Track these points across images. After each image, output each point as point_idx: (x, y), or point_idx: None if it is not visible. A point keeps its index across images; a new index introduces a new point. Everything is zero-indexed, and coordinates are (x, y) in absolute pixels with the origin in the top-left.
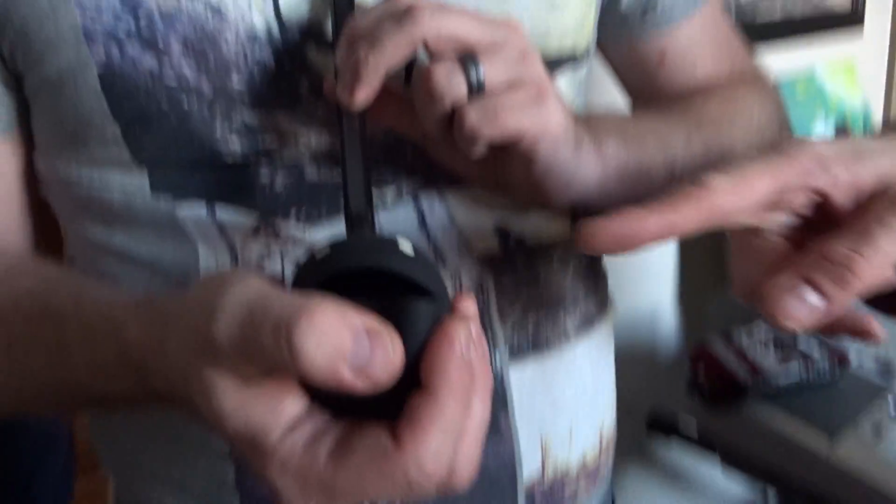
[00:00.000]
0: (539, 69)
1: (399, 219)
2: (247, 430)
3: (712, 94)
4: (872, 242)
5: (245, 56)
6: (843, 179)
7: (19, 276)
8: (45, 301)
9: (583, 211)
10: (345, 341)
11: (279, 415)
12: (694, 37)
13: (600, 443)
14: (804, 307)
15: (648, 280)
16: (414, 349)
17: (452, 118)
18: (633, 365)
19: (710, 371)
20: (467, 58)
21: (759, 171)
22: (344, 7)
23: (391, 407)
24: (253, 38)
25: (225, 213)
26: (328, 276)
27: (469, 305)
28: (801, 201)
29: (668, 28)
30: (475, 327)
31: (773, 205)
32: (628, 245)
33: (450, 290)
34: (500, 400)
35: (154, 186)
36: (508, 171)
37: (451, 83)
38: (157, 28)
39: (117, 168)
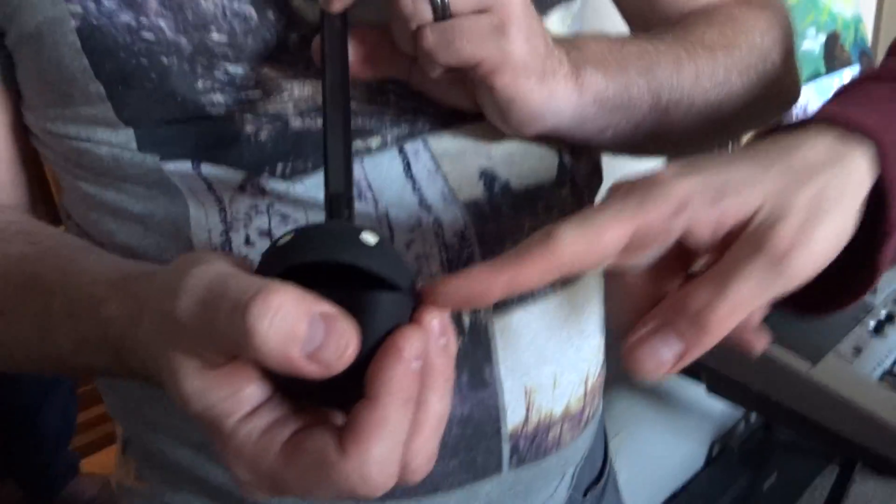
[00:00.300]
0: None
1: (384, 165)
2: (207, 412)
3: (713, 19)
4: (728, 292)
5: (224, 9)
6: (703, 220)
7: (12, 237)
8: (35, 271)
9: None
10: (299, 324)
11: (239, 400)
12: None
13: (585, 391)
14: (659, 359)
15: None
16: (373, 341)
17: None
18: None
19: None
20: None
21: (611, 220)
22: None
23: (355, 397)
24: None
25: (211, 170)
26: (288, 266)
27: (428, 317)
28: (664, 241)
29: None
30: (439, 323)
31: (634, 247)
32: (476, 303)
33: (433, 242)
34: (484, 351)
35: (140, 144)
36: (480, 94)
37: (416, 5)
38: None
39: (103, 126)
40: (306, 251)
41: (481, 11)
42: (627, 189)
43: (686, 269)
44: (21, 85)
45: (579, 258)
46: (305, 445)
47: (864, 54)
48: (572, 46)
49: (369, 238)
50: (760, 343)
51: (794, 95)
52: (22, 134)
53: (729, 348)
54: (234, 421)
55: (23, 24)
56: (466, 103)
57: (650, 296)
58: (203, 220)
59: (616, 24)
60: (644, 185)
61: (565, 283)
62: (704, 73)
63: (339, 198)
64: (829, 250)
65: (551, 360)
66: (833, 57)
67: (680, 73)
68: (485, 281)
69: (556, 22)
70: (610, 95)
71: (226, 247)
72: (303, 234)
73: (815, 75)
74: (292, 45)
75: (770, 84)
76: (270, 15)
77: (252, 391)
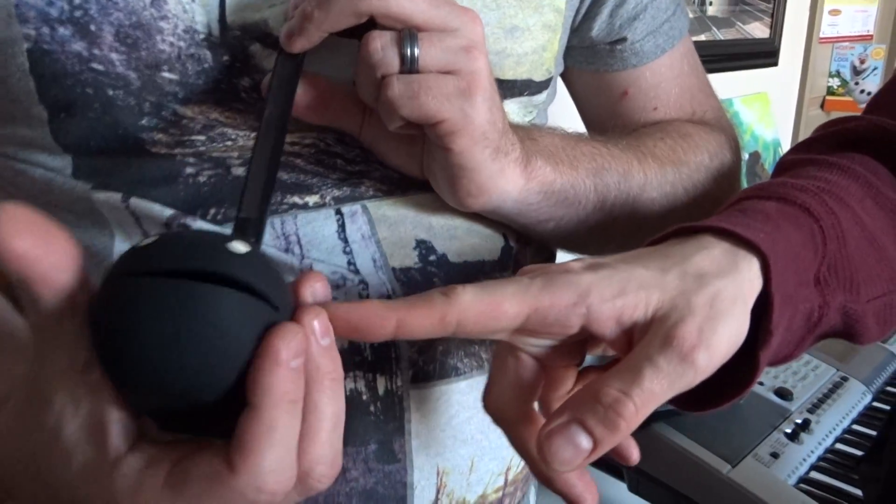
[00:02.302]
0: (480, 65)
1: (318, 223)
2: (81, 463)
3: (667, 133)
4: (641, 384)
5: (180, 50)
6: (605, 314)
7: None
8: None
9: (514, 232)
10: None
11: (106, 448)
12: (660, 76)
13: (505, 482)
14: (575, 452)
15: None
16: (235, 354)
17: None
18: None
19: None
20: (407, 34)
21: (511, 296)
22: None
23: (227, 422)
24: (192, 32)
25: (140, 204)
26: (137, 272)
27: (309, 316)
28: (561, 330)
29: (635, 64)
30: (320, 323)
31: (530, 329)
32: (362, 334)
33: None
34: (397, 422)
35: (76, 171)
36: (430, 160)
37: (384, 55)
38: (91, 12)
39: (41, 149)
40: (164, 255)
41: (449, 72)
42: (535, 272)
43: (577, 362)
44: None
45: (473, 320)
46: (191, 472)
47: None
48: (527, 136)
49: (239, 247)
50: (635, 453)
51: None
52: None
53: (650, 442)
54: (108, 462)
55: None
56: (413, 168)
57: (536, 385)
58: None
59: (578, 123)
60: (551, 272)
61: None
62: (652, 184)
63: (248, 222)
64: (730, 347)
65: (470, 442)
66: (754, 174)
67: (629, 180)
68: (375, 313)
69: (517, 110)
70: (556, 189)
71: None
72: (163, 239)
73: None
74: (243, 92)
75: (715, 202)
76: (225, 59)
77: (116, 435)
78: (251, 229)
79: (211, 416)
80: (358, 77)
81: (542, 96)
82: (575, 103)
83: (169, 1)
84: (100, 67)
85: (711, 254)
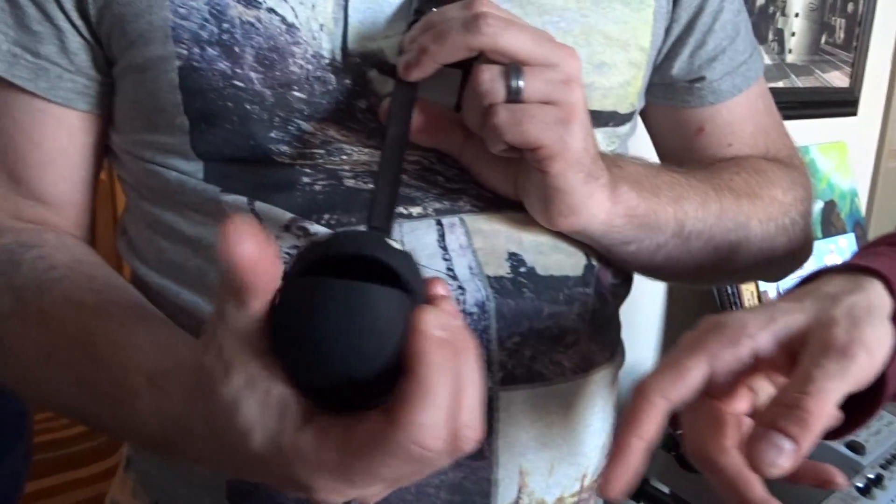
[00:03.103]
0: (577, 96)
1: (420, 231)
2: (264, 437)
3: (742, 167)
4: (815, 382)
5: (308, 72)
6: (763, 340)
7: (78, 278)
8: (89, 331)
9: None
10: None
11: (289, 418)
12: (736, 114)
13: (581, 488)
14: (779, 452)
15: (634, 337)
16: (391, 338)
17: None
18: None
19: None
20: (512, 67)
21: (688, 351)
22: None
23: (383, 396)
24: (319, 57)
25: (263, 207)
26: (320, 257)
27: (439, 289)
28: (734, 366)
29: (712, 102)
30: (448, 308)
31: (715, 374)
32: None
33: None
34: (486, 421)
35: (207, 175)
36: (526, 181)
37: (492, 86)
38: (236, 36)
39: (178, 155)
40: (339, 245)
41: (550, 102)
42: (706, 326)
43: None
44: (115, 109)
45: (677, 394)
46: (358, 428)
47: (857, 224)
48: (613, 163)
49: (395, 244)
50: (837, 476)
51: (806, 252)
52: (98, 158)
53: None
54: (290, 435)
55: (134, 57)
56: (507, 188)
57: (724, 417)
58: None
59: (654, 154)
60: (712, 323)
61: (578, 371)
62: (727, 214)
63: (378, 231)
64: (881, 347)
65: (551, 445)
66: (829, 223)
67: (705, 209)
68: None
69: (602, 140)
70: (639, 213)
71: None
72: (337, 235)
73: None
74: (359, 112)
75: (786, 237)
76: (347, 82)
77: (293, 412)
78: (383, 234)
79: (367, 394)
80: (466, 104)
81: (626, 128)
82: (651, 138)
83: (301, 29)
84: (240, 84)
85: (835, 281)
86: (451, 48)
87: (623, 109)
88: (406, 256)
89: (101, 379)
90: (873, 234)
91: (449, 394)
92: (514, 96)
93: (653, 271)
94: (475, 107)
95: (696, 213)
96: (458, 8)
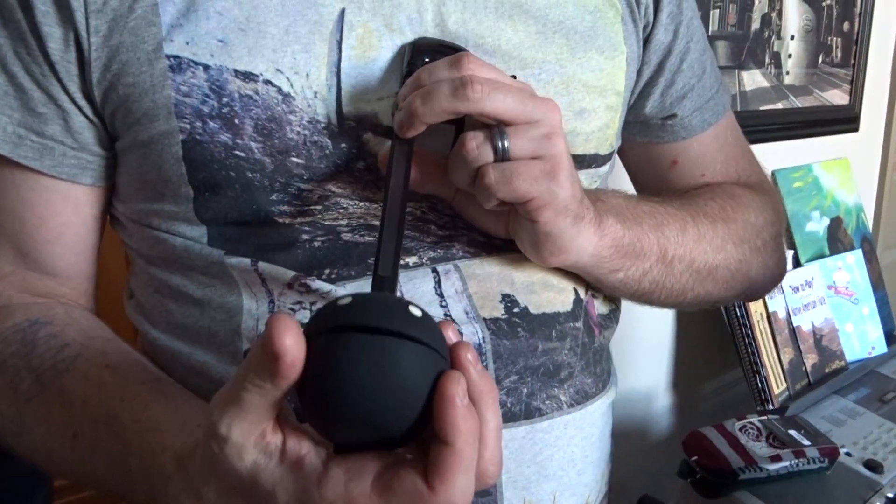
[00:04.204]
0: (560, 147)
1: (418, 280)
2: (289, 496)
3: (715, 194)
4: None
5: (306, 138)
6: None
7: (93, 357)
8: (113, 411)
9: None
10: None
11: (304, 471)
12: (707, 147)
13: None
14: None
15: (644, 362)
16: (419, 394)
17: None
18: (624, 447)
19: (704, 457)
20: (497, 130)
21: None
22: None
23: (400, 442)
24: (315, 123)
25: (266, 267)
26: (343, 325)
27: (463, 351)
28: None
29: (684, 136)
30: (472, 354)
31: None
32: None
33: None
34: None
35: (210, 240)
36: (517, 226)
37: (479, 150)
38: (235, 109)
39: (183, 221)
40: (364, 315)
41: (536, 157)
42: None
43: None
44: (119, 181)
45: None
46: (395, 486)
47: (865, 239)
48: (597, 198)
49: (416, 311)
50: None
51: (780, 272)
52: (101, 227)
53: None
54: (314, 480)
55: (138, 133)
56: (499, 230)
57: None
58: (254, 309)
59: (631, 188)
60: None
61: (574, 404)
62: (705, 238)
63: (385, 280)
64: None
65: (552, 478)
66: (836, 240)
67: (685, 234)
68: None
69: (584, 180)
70: (625, 243)
71: None
72: (360, 299)
73: (820, 255)
74: (357, 171)
75: (760, 258)
76: (343, 145)
77: (311, 461)
78: (388, 285)
79: (390, 444)
80: (454, 167)
81: (606, 167)
82: (628, 172)
83: (296, 97)
84: (241, 154)
85: None
86: (439, 113)
87: (603, 151)
88: (425, 320)
89: (133, 463)
90: (881, 247)
91: (477, 450)
92: (501, 157)
93: (641, 297)
94: (464, 170)
95: (676, 239)
96: (446, 66)
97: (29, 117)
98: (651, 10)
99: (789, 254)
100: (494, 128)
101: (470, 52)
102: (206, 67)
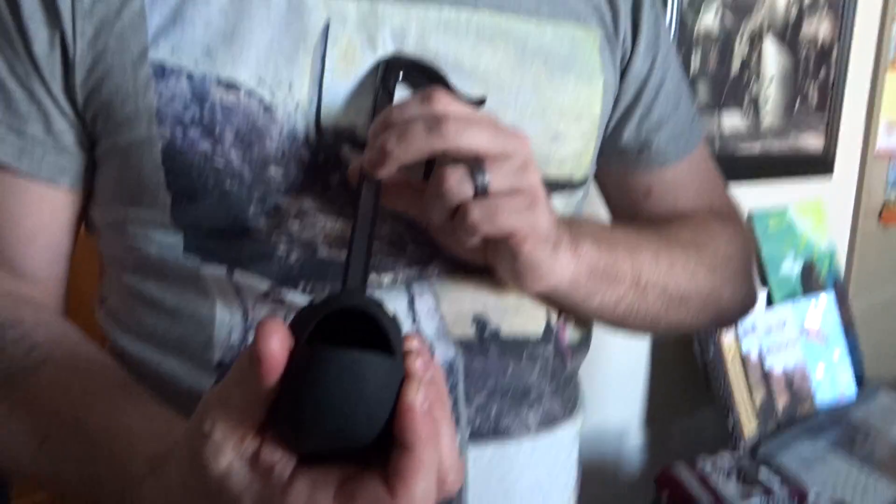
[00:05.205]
0: (535, 179)
1: (391, 297)
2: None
3: (687, 223)
4: None
5: (284, 150)
6: None
7: (63, 361)
8: (81, 416)
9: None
10: None
11: (277, 474)
12: (680, 176)
13: None
14: None
15: (617, 398)
16: (384, 402)
17: (455, 211)
18: (596, 482)
19: (674, 496)
20: (476, 166)
21: None
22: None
23: (367, 452)
24: (294, 135)
25: (241, 277)
26: (323, 314)
27: (411, 360)
28: None
29: (659, 165)
30: (422, 363)
31: None
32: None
33: None
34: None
35: (186, 247)
36: (496, 256)
37: (459, 187)
38: (216, 118)
39: (159, 228)
40: (341, 301)
41: (513, 191)
42: None
43: None
44: (97, 186)
45: None
46: (357, 493)
47: (837, 283)
48: (572, 224)
49: (390, 310)
50: None
51: (750, 301)
52: (75, 232)
53: None
54: (279, 489)
55: (118, 139)
56: (476, 258)
57: None
58: (227, 319)
59: (605, 216)
60: None
61: (542, 427)
62: (678, 265)
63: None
64: None
65: (519, 500)
66: (809, 283)
67: (658, 261)
68: None
69: (559, 204)
70: (600, 267)
71: (242, 345)
72: (336, 295)
73: (793, 296)
74: (333, 184)
75: (731, 287)
76: (320, 157)
77: (279, 469)
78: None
79: (355, 453)
80: (431, 202)
81: (580, 192)
82: (604, 200)
83: (277, 109)
84: (221, 162)
85: None
86: (415, 152)
87: (578, 176)
88: (394, 318)
89: (102, 469)
90: (853, 293)
91: (436, 455)
92: (481, 192)
93: (615, 322)
94: (441, 204)
95: (650, 265)
96: (417, 104)
97: (10, 117)
98: (629, 41)
99: (763, 294)
100: (472, 163)
101: (439, 87)
102: (190, 75)
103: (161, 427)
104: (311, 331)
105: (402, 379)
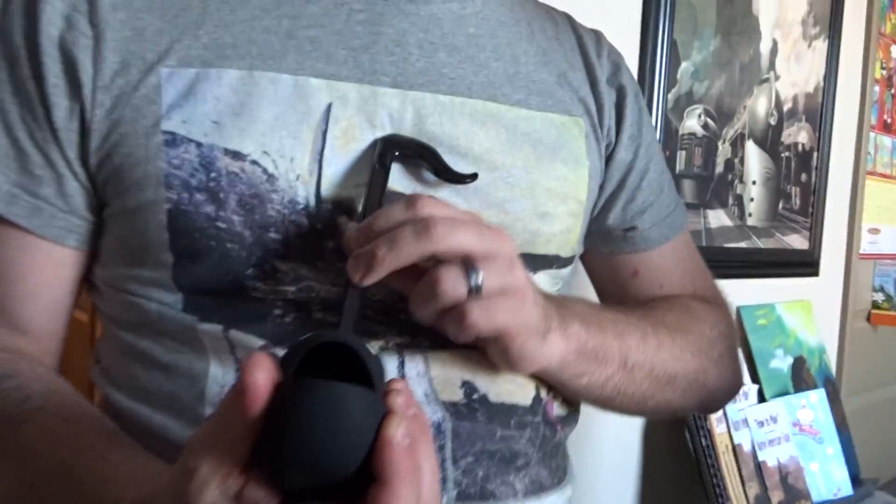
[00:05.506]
0: (523, 275)
1: (382, 360)
2: None
3: (673, 305)
4: None
5: (284, 216)
6: None
7: (53, 408)
8: (68, 463)
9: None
10: None
11: None
12: (665, 259)
13: None
14: None
15: (609, 491)
16: (365, 435)
17: (449, 309)
18: None
19: None
20: (469, 265)
21: None
22: (374, 196)
23: (348, 490)
24: (294, 203)
25: (237, 335)
26: (307, 349)
27: (393, 396)
28: None
29: (644, 249)
30: (404, 400)
31: None
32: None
33: None
34: None
35: (185, 307)
36: (486, 345)
37: (455, 288)
38: (221, 183)
39: (160, 287)
40: (326, 336)
41: (504, 290)
42: None
43: None
44: (102, 246)
45: None
46: None
47: (828, 381)
48: (562, 304)
49: (372, 350)
50: None
51: (736, 384)
52: (77, 291)
53: None
54: None
55: (127, 201)
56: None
57: None
58: (220, 376)
59: (592, 294)
60: None
61: (529, 494)
62: (665, 347)
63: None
64: None
65: None
66: (800, 378)
67: (646, 343)
68: None
69: (546, 280)
70: (589, 348)
71: None
72: (319, 332)
73: (784, 392)
74: (327, 252)
75: (717, 370)
76: (318, 226)
77: (265, 502)
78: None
79: (337, 488)
80: (422, 300)
81: (567, 270)
82: (592, 282)
83: (280, 178)
84: (223, 226)
85: None
86: (406, 257)
87: (565, 253)
88: (376, 357)
89: None
90: (846, 393)
91: (415, 493)
92: (475, 292)
93: (603, 402)
94: (433, 304)
95: (638, 347)
96: (402, 209)
97: (25, 178)
98: (613, 132)
99: (754, 388)
100: (466, 264)
101: (424, 195)
102: (199, 144)
103: (148, 473)
104: (297, 368)
105: (383, 415)
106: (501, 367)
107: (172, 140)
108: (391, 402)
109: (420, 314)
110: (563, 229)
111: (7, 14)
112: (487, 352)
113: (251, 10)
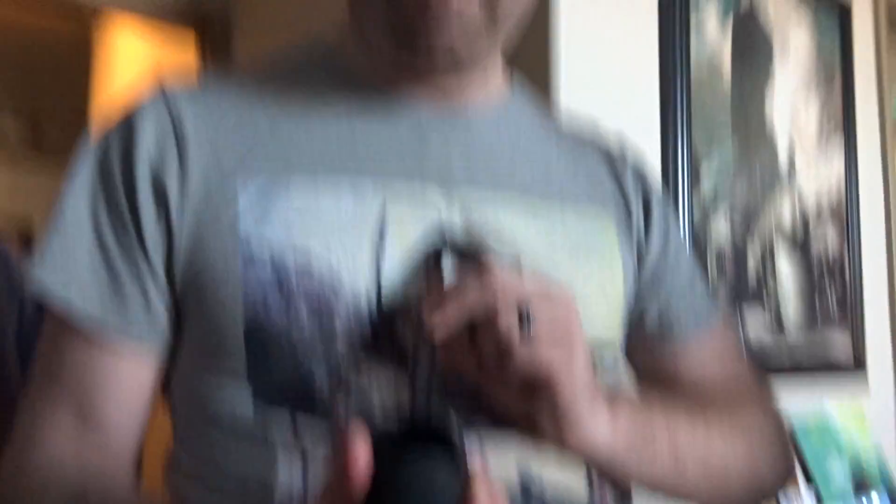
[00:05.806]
0: (577, 329)
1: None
2: None
3: (718, 396)
4: None
5: (349, 325)
6: None
7: None
8: None
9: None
10: None
11: None
12: (705, 350)
13: None
14: None
15: None
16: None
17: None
18: None
19: None
20: (524, 312)
21: None
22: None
23: None
24: (358, 313)
25: (304, 420)
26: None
27: (478, 465)
28: None
29: (682, 344)
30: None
31: None
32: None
33: None
34: None
35: (255, 406)
36: (536, 404)
37: (510, 334)
38: (294, 298)
39: (232, 388)
40: (431, 422)
41: (554, 334)
42: None
43: None
44: (181, 355)
45: None
46: None
47: (889, 486)
48: (610, 389)
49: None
50: None
51: (787, 466)
52: (155, 393)
53: None
54: None
55: (206, 318)
56: (518, 408)
57: None
58: (287, 482)
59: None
60: None
61: None
62: (714, 439)
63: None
64: None
65: None
66: (860, 483)
67: (695, 434)
68: None
69: (608, 361)
70: (638, 437)
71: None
72: (425, 415)
73: (843, 497)
74: (389, 357)
75: (770, 458)
76: (379, 333)
77: None
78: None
79: None
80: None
81: (610, 353)
82: (633, 376)
83: (344, 286)
84: (296, 337)
85: None
86: (468, 309)
87: (607, 336)
88: (461, 436)
89: None
90: None
91: None
92: (526, 330)
93: (653, 487)
94: (491, 349)
95: (687, 433)
96: (472, 278)
97: (115, 291)
98: (643, 232)
99: (811, 493)
100: (521, 310)
101: (490, 257)
102: (272, 258)
103: None
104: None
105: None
106: (550, 435)
107: (251, 261)
108: (471, 464)
109: (485, 357)
110: (605, 313)
111: (106, 141)
112: (537, 420)
113: (312, 124)
